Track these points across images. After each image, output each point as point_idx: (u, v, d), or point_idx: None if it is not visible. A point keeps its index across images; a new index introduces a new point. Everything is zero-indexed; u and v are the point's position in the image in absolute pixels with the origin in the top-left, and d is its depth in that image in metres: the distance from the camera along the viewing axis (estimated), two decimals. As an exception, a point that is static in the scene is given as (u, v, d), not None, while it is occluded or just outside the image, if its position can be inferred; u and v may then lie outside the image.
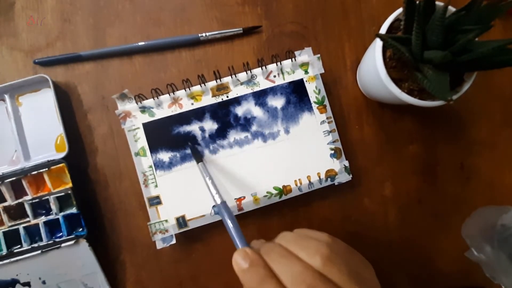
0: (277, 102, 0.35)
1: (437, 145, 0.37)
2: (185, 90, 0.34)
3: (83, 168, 0.36)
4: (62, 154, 0.34)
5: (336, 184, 0.35)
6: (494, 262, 0.31)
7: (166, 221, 0.34)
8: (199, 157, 0.33)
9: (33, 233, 0.34)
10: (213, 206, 0.34)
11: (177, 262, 0.36)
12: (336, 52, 0.38)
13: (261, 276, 0.21)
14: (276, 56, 0.35)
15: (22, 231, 0.34)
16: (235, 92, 0.35)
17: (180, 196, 0.34)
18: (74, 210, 0.34)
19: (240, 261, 0.22)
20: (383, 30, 0.29)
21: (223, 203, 0.28)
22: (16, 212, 0.34)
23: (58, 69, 0.37)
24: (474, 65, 0.27)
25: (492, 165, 0.37)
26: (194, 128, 0.35)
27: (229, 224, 0.26)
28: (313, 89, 0.35)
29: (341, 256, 0.22)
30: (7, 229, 0.34)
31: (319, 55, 0.35)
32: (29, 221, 0.34)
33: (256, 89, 0.35)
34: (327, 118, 0.35)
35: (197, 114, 0.35)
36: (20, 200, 0.34)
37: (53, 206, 0.34)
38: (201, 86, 0.35)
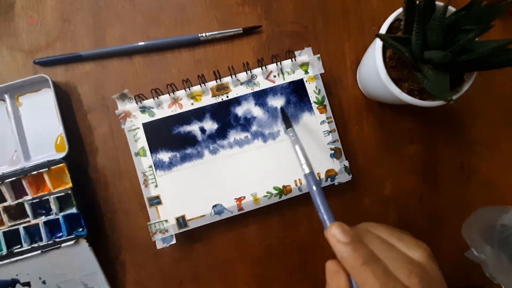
0: (277, 102, 0.35)
1: (437, 145, 0.37)
2: (185, 90, 0.34)
3: (83, 168, 0.36)
4: (62, 154, 0.34)
5: (336, 184, 0.35)
6: (494, 262, 0.31)
7: (166, 221, 0.34)
8: (289, 123, 0.32)
9: (33, 233, 0.34)
10: (213, 206, 0.34)
11: (177, 262, 0.36)
12: (336, 52, 0.38)
13: (366, 255, 0.20)
14: (276, 56, 0.35)
15: (22, 231, 0.34)
16: (235, 92, 0.35)
17: (180, 196, 0.34)
18: (74, 210, 0.34)
19: (339, 235, 0.22)
20: (383, 30, 0.29)
21: (311, 173, 0.26)
22: (16, 212, 0.35)
23: (58, 69, 0.37)
24: (474, 65, 0.27)
25: (492, 165, 0.37)
26: (194, 128, 0.35)
27: (317, 197, 0.25)
28: (313, 89, 0.35)
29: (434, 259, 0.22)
30: (7, 229, 0.34)
31: (319, 55, 0.35)
32: (29, 221, 0.34)
33: (256, 89, 0.35)
34: (327, 118, 0.35)
35: (197, 114, 0.35)
36: (20, 200, 0.34)
37: (53, 206, 0.34)
38: (201, 86, 0.35)
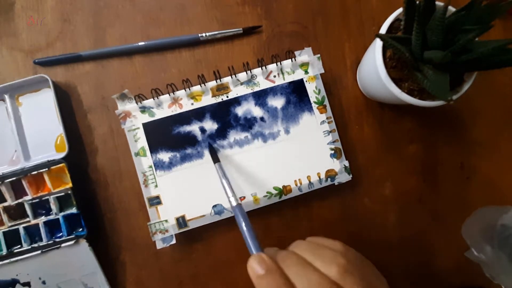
0: (277, 102, 0.35)
1: (437, 145, 0.37)
2: (185, 90, 0.34)
3: (83, 168, 0.36)
4: (62, 154, 0.34)
5: (336, 184, 0.35)
6: (494, 262, 0.31)
7: (166, 221, 0.34)
8: (216, 158, 0.33)
9: (33, 233, 0.34)
10: (213, 206, 0.34)
11: (177, 262, 0.36)
12: (336, 52, 0.38)
13: (278, 283, 0.21)
14: (276, 56, 0.35)
15: (22, 231, 0.34)
16: (235, 92, 0.35)
17: (180, 196, 0.34)
18: (74, 210, 0.34)
19: (256, 266, 0.22)
20: (383, 30, 0.29)
21: (239, 205, 0.27)
22: (16, 212, 0.34)
23: (58, 69, 0.37)
24: (474, 65, 0.27)
25: (492, 165, 0.37)
26: (194, 128, 0.35)
27: (244, 228, 0.25)
28: (313, 89, 0.35)
29: (357, 266, 0.21)
30: (7, 229, 0.34)
31: (319, 55, 0.35)
32: (29, 221, 0.34)
33: (256, 89, 0.35)
34: (327, 118, 0.35)
35: (197, 114, 0.35)
36: (20, 200, 0.34)
37: (53, 206, 0.34)
38: (201, 86, 0.35)
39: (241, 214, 0.26)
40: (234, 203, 0.28)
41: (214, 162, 0.32)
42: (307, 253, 0.22)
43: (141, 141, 0.34)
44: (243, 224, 0.26)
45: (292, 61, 0.35)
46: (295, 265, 0.22)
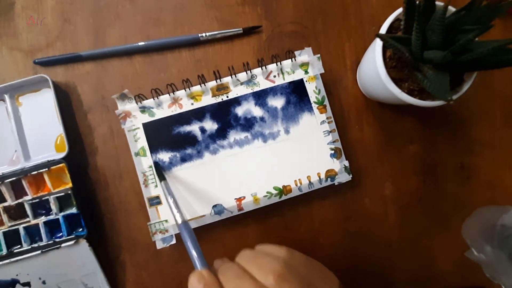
0: (277, 102, 0.35)
1: (437, 145, 0.37)
2: (185, 90, 0.34)
3: (83, 168, 0.36)
4: (62, 154, 0.34)
5: (336, 184, 0.35)
6: (494, 262, 0.31)
7: (166, 221, 0.34)
8: (162, 176, 0.33)
9: (33, 233, 0.34)
10: (213, 206, 0.34)
11: (177, 262, 0.36)
12: (336, 52, 0.38)
13: None
14: (276, 56, 0.35)
15: (22, 231, 0.34)
16: (235, 92, 0.35)
17: (180, 196, 0.34)
18: (74, 210, 0.34)
19: (194, 283, 0.22)
20: (383, 30, 0.29)
21: (184, 223, 0.28)
22: (16, 212, 0.34)
23: (58, 69, 0.37)
24: (474, 65, 0.27)
25: (492, 165, 0.37)
26: (194, 128, 0.35)
27: (189, 244, 0.26)
28: (313, 89, 0.35)
29: (296, 272, 0.22)
30: (7, 229, 0.34)
31: (319, 55, 0.35)
32: (29, 221, 0.34)
33: (256, 89, 0.35)
34: (327, 118, 0.35)
35: (197, 114, 0.35)
36: (20, 200, 0.34)
37: (53, 206, 0.34)
38: (201, 86, 0.35)
39: (187, 231, 0.27)
40: (179, 221, 0.28)
41: (160, 181, 0.32)
42: (249, 263, 0.23)
43: (141, 141, 0.34)
44: (188, 242, 0.26)
45: (292, 61, 0.35)
46: (234, 277, 0.22)
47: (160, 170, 0.34)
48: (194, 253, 0.25)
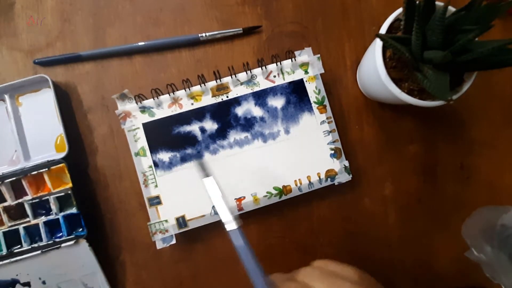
0: (277, 102, 0.35)
1: (437, 145, 0.37)
2: (185, 90, 0.34)
3: (83, 168, 0.36)
4: (62, 154, 0.34)
5: (336, 184, 0.35)
6: (494, 262, 0.31)
7: (166, 221, 0.34)
8: (206, 173, 0.27)
9: (33, 233, 0.34)
10: (213, 206, 0.34)
11: (177, 262, 0.36)
12: (336, 52, 0.38)
13: None
14: (276, 56, 0.35)
15: (22, 231, 0.34)
16: (235, 92, 0.35)
17: (180, 196, 0.34)
18: (74, 210, 0.34)
19: None
20: (383, 30, 0.29)
21: (239, 229, 0.24)
22: (16, 212, 0.34)
23: (58, 69, 0.37)
24: (474, 65, 0.27)
25: (492, 165, 0.37)
26: (194, 128, 0.35)
27: (246, 257, 0.23)
28: (313, 89, 0.35)
29: None
30: (7, 229, 0.34)
31: (319, 55, 0.35)
32: (29, 221, 0.34)
33: (256, 89, 0.35)
34: (327, 118, 0.35)
35: (197, 114, 0.35)
36: (20, 200, 0.34)
37: (53, 206, 0.34)
38: (201, 86, 0.35)
39: (243, 238, 0.23)
40: (234, 227, 0.23)
41: (204, 177, 0.26)
42: (318, 283, 0.22)
43: (141, 141, 0.34)
44: (248, 253, 0.23)
45: (292, 61, 0.35)
46: None
47: (204, 166, 0.27)
48: (253, 269, 0.23)
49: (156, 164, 0.34)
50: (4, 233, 0.34)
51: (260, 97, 0.35)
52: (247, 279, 0.37)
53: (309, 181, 0.34)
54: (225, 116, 0.35)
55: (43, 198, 0.34)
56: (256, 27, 0.37)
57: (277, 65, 0.35)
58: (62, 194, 0.34)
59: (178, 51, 0.37)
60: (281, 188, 0.34)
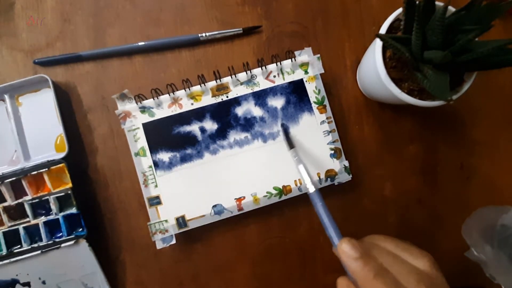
0: (277, 102, 0.35)
1: (437, 145, 0.37)
2: (185, 90, 0.34)
3: (83, 168, 0.36)
4: (62, 154, 0.34)
5: (336, 184, 0.35)
6: (494, 262, 0.31)
7: (166, 221, 0.34)
8: (291, 143, 0.32)
9: (33, 233, 0.34)
10: (213, 206, 0.34)
11: (177, 262, 0.36)
12: (336, 52, 0.38)
13: (376, 268, 0.22)
14: (276, 56, 0.35)
15: (22, 231, 0.34)
16: (235, 92, 0.35)
17: (180, 196, 0.34)
18: (74, 210, 0.34)
19: (349, 250, 0.23)
20: (383, 30, 0.29)
21: (317, 192, 0.27)
22: (16, 212, 0.34)
23: (58, 69, 0.37)
24: (474, 65, 0.27)
25: (492, 165, 0.37)
26: (194, 128, 0.35)
27: (324, 214, 0.26)
28: (313, 89, 0.35)
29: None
30: (7, 229, 0.34)
31: (319, 55, 0.35)
32: (29, 221, 0.34)
33: (256, 89, 0.35)
34: (327, 118, 0.35)
35: (197, 114, 0.35)
36: (20, 200, 0.34)
37: (53, 206, 0.34)
38: (201, 86, 0.35)
39: (321, 201, 0.26)
40: (312, 190, 0.27)
41: (290, 148, 0.32)
42: (392, 246, 0.24)
43: (141, 141, 0.34)
44: (323, 211, 0.26)
45: (292, 61, 0.35)
46: (386, 255, 0.23)
47: (289, 136, 0.33)
48: (330, 224, 0.25)
49: (156, 164, 0.34)
50: (4, 233, 0.34)
51: (260, 97, 0.35)
52: (247, 279, 0.37)
53: (309, 181, 0.34)
54: (225, 116, 0.35)
55: (43, 198, 0.34)
56: (256, 27, 0.37)
57: (277, 65, 0.35)
58: (62, 194, 0.34)
59: (178, 51, 0.37)
60: (281, 188, 0.34)
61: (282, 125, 0.34)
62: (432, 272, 0.22)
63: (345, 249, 0.23)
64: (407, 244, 0.24)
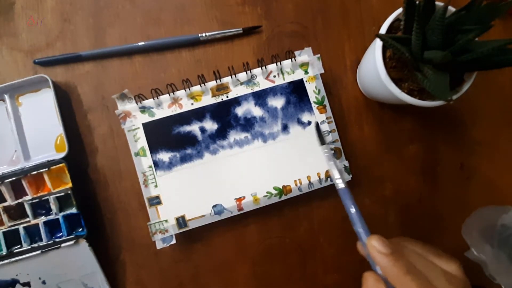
0: (277, 102, 0.35)
1: (437, 145, 0.37)
2: (185, 90, 0.34)
3: (83, 168, 0.36)
4: (62, 154, 0.34)
5: (336, 184, 0.35)
6: (494, 262, 0.31)
7: (166, 221, 0.34)
8: (322, 140, 0.33)
9: (33, 233, 0.34)
10: (213, 206, 0.34)
11: (177, 262, 0.36)
12: (336, 52, 0.38)
13: (407, 265, 0.22)
14: (276, 56, 0.35)
15: (22, 231, 0.34)
16: (235, 92, 0.35)
17: (180, 196, 0.34)
18: (74, 210, 0.34)
19: (379, 246, 0.23)
20: (383, 30, 0.29)
21: (346, 188, 0.28)
22: (16, 212, 0.35)
23: (58, 69, 0.37)
24: (474, 65, 0.27)
25: (492, 165, 0.37)
26: (194, 128, 0.35)
27: (352, 211, 0.26)
28: (313, 89, 0.35)
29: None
30: (7, 229, 0.34)
31: (319, 55, 0.35)
32: (29, 221, 0.34)
33: (256, 89, 0.35)
34: (327, 118, 0.35)
35: (197, 114, 0.35)
36: (20, 200, 0.34)
37: (53, 206, 0.34)
38: (201, 86, 0.35)
39: (350, 197, 0.27)
40: (341, 186, 0.28)
41: (321, 144, 0.33)
42: (420, 249, 0.24)
43: (141, 141, 0.34)
44: (352, 208, 0.26)
45: (292, 61, 0.35)
46: (416, 255, 0.23)
47: (321, 133, 0.34)
48: (360, 220, 0.26)
49: (156, 164, 0.34)
50: (4, 233, 0.34)
51: (260, 97, 0.35)
52: (247, 279, 0.37)
53: (309, 181, 0.34)
54: (225, 116, 0.35)
55: (43, 198, 0.34)
56: (256, 27, 0.37)
57: (277, 65, 0.35)
58: (62, 194, 0.34)
59: (178, 51, 0.37)
60: (281, 188, 0.34)
61: (317, 124, 0.34)
62: (462, 276, 0.23)
63: (375, 245, 0.23)
64: (436, 249, 0.25)
